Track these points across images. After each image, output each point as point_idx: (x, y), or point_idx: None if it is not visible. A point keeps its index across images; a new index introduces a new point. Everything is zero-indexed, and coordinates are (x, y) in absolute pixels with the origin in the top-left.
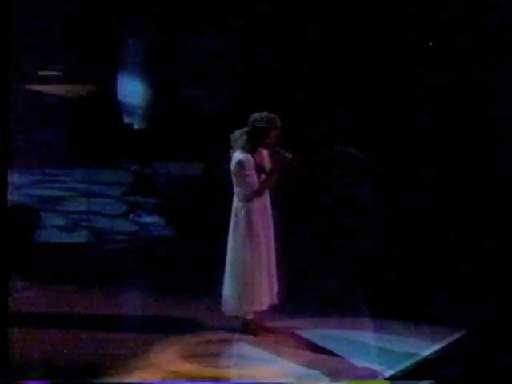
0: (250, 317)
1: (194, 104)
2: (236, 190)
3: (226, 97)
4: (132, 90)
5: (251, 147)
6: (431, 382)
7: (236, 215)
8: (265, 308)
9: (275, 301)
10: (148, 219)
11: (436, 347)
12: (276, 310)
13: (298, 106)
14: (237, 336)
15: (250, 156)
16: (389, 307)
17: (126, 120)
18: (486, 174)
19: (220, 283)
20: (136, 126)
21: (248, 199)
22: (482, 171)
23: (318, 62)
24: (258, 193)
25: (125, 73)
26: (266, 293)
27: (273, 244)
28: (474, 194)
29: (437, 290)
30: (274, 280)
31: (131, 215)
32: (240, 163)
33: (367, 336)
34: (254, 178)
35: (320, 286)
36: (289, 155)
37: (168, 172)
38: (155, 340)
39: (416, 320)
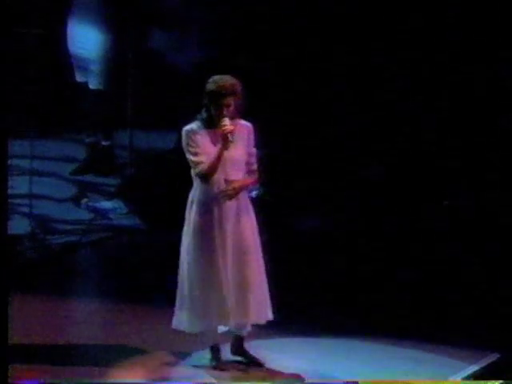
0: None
1: (165, 57)
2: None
3: (204, 48)
4: (86, 40)
5: (206, 118)
6: (501, 382)
7: (189, 209)
8: (217, 328)
9: (248, 322)
10: (106, 205)
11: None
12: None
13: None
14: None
15: (202, 128)
16: (403, 325)
17: (79, 78)
18: None
19: None
20: (91, 86)
21: (200, 181)
22: None
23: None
24: (202, 177)
25: (77, 18)
26: (223, 311)
27: (245, 245)
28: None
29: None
30: (248, 294)
31: (84, 200)
32: (184, 133)
33: (374, 358)
34: (200, 157)
35: (322, 298)
36: (228, 127)
37: (131, 144)
38: (106, 361)
39: (433, 341)
